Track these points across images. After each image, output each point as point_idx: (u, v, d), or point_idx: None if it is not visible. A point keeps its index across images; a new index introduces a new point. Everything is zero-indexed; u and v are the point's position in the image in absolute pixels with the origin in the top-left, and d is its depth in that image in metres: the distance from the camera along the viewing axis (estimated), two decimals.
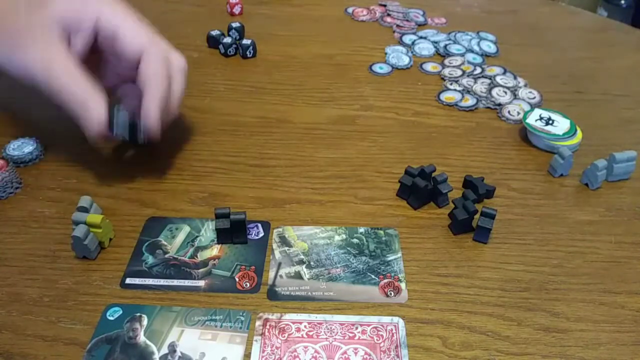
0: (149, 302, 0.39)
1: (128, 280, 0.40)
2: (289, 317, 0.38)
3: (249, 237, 0.44)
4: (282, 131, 0.55)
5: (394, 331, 0.37)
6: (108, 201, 0.46)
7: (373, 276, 0.41)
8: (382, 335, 0.37)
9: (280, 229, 0.44)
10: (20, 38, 0.44)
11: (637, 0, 1.89)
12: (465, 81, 0.63)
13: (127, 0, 0.48)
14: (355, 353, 0.36)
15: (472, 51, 0.69)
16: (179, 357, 0.35)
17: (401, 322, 0.37)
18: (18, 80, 0.45)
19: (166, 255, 0.42)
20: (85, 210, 0.43)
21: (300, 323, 0.37)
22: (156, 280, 0.40)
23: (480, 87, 0.62)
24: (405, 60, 0.68)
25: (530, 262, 0.42)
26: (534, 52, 0.71)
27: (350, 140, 0.55)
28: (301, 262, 0.42)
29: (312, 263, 0.42)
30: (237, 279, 0.40)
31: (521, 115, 0.58)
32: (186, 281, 0.40)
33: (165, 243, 0.43)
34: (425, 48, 0.70)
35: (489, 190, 0.47)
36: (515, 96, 0.61)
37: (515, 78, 0.64)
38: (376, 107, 0.60)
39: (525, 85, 0.63)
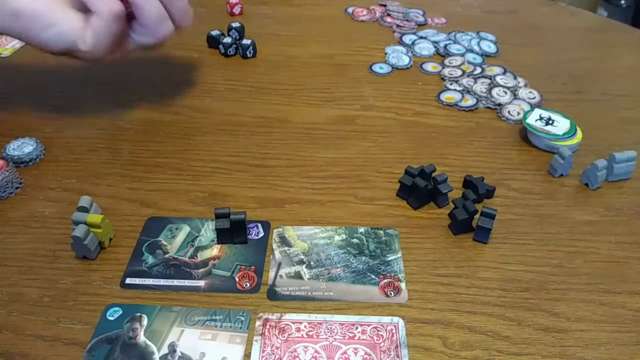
0: (149, 302, 0.39)
1: (128, 280, 0.40)
2: (289, 317, 0.38)
3: (249, 237, 0.44)
4: (282, 131, 0.55)
5: (394, 331, 0.37)
6: (108, 201, 0.46)
7: (373, 276, 0.41)
8: (382, 335, 0.37)
9: (280, 229, 0.44)
10: None
11: (637, 0, 1.89)
12: (465, 81, 0.63)
13: None
14: (355, 353, 0.36)
15: (472, 51, 0.69)
16: (179, 357, 0.35)
17: (401, 322, 0.37)
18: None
19: (166, 255, 0.42)
20: (85, 210, 0.43)
21: (300, 323, 0.37)
22: (156, 280, 0.40)
23: (480, 87, 0.62)
24: (405, 60, 0.68)
25: (530, 262, 0.42)
26: (534, 52, 0.71)
27: (350, 140, 0.55)
28: (301, 262, 0.42)
29: (312, 263, 0.42)
30: (237, 279, 0.40)
31: (521, 115, 0.58)
32: (186, 281, 0.40)
33: (165, 243, 0.43)
34: (425, 48, 0.70)
35: (489, 190, 0.47)
36: (515, 96, 0.61)
37: (515, 78, 0.64)
38: (376, 107, 0.60)
39: (525, 85, 0.63)
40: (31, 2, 0.45)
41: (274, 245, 0.43)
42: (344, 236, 0.44)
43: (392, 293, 0.40)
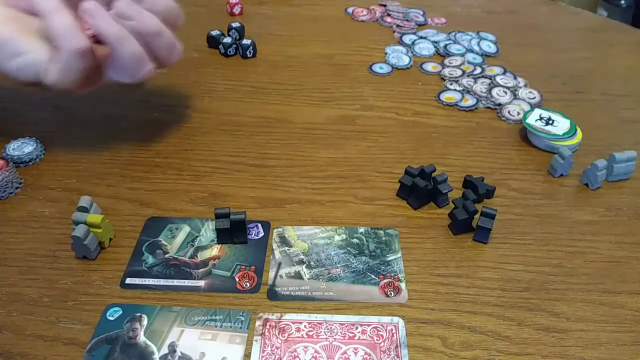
0: (149, 302, 0.39)
1: (128, 280, 0.40)
2: (289, 317, 0.38)
3: (249, 237, 0.44)
4: (282, 131, 0.55)
5: (394, 331, 0.37)
6: (108, 201, 0.46)
7: (373, 276, 0.41)
8: (382, 335, 0.37)
9: (280, 229, 0.44)
10: None
11: (637, 0, 1.89)
12: (465, 81, 0.63)
13: None
14: (355, 353, 0.36)
15: (472, 51, 0.69)
16: (179, 357, 0.35)
17: (401, 322, 0.37)
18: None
19: (166, 255, 0.42)
20: (85, 210, 0.43)
21: (300, 323, 0.37)
22: (156, 280, 0.40)
23: (480, 87, 0.62)
24: (405, 60, 0.68)
25: (530, 262, 0.42)
26: (534, 52, 0.71)
27: (350, 140, 0.55)
28: (301, 262, 0.42)
29: (312, 263, 0.42)
30: (237, 279, 0.40)
31: (521, 115, 0.58)
32: (186, 281, 0.40)
33: (165, 243, 0.43)
34: (425, 48, 0.70)
35: (489, 190, 0.47)
36: (515, 96, 0.61)
37: (515, 78, 0.64)
38: (376, 107, 0.60)
39: (525, 85, 0.63)
40: None
41: (274, 245, 0.43)
42: (344, 236, 0.44)
43: (392, 293, 0.40)
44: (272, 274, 0.41)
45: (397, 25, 0.76)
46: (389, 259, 0.42)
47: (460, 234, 0.44)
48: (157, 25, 0.46)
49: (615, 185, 0.50)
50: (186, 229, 0.44)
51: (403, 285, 0.40)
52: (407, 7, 0.80)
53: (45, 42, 0.44)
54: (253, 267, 0.41)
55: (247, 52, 0.67)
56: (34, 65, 0.44)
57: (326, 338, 0.36)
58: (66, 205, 0.46)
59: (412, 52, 0.70)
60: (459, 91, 0.62)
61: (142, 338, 0.36)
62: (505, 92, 0.61)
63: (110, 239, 0.43)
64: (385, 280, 0.40)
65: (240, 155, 0.52)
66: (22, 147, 0.51)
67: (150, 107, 0.58)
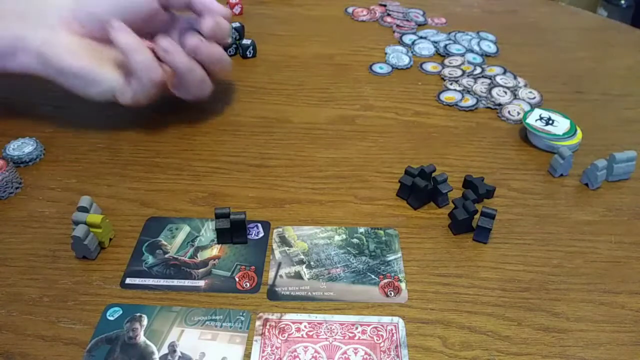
0: (149, 302, 0.39)
1: (128, 280, 0.40)
2: (289, 317, 0.38)
3: (249, 237, 0.44)
4: (282, 131, 0.55)
5: (394, 331, 0.37)
6: (108, 201, 0.46)
7: (373, 276, 0.41)
8: (382, 335, 0.37)
9: (280, 229, 0.44)
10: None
11: (637, 0, 1.89)
12: (465, 81, 0.63)
13: None
14: (355, 353, 0.36)
15: (472, 51, 0.69)
16: (179, 357, 0.35)
17: (401, 322, 0.37)
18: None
19: (166, 255, 0.42)
20: (85, 210, 0.43)
21: (300, 323, 0.37)
22: (156, 280, 0.40)
23: (480, 87, 0.62)
24: (405, 60, 0.68)
25: (530, 262, 0.42)
26: (534, 52, 0.71)
27: (350, 140, 0.55)
28: (301, 262, 0.42)
29: (312, 263, 0.42)
30: (237, 279, 0.40)
31: (521, 115, 0.58)
32: (186, 281, 0.40)
33: (165, 243, 0.43)
34: (425, 48, 0.70)
35: (489, 190, 0.47)
36: (515, 96, 0.61)
37: (515, 78, 0.64)
38: (376, 107, 0.60)
39: (525, 85, 0.63)
40: (75, 61, 0.49)
41: (274, 245, 0.43)
42: (344, 236, 0.44)
43: (392, 293, 0.40)
44: (272, 274, 0.41)
45: (397, 25, 0.76)
46: (389, 259, 0.42)
47: (460, 234, 0.44)
48: (220, 52, 0.53)
49: (615, 185, 0.50)
50: (186, 229, 0.44)
51: (403, 285, 0.40)
52: (407, 7, 0.80)
53: (118, 68, 0.50)
54: (253, 267, 0.41)
55: (247, 52, 0.67)
56: (109, 91, 0.50)
57: (326, 338, 0.36)
58: (66, 205, 0.46)
59: (412, 52, 0.70)
60: (459, 91, 0.62)
61: (142, 338, 0.36)
62: (505, 92, 0.61)
63: (110, 239, 0.43)
64: (385, 280, 0.40)
65: (240, 155, 0.52)
66: (22, 147, 0.51)
67: (150, 107, 0.58)
